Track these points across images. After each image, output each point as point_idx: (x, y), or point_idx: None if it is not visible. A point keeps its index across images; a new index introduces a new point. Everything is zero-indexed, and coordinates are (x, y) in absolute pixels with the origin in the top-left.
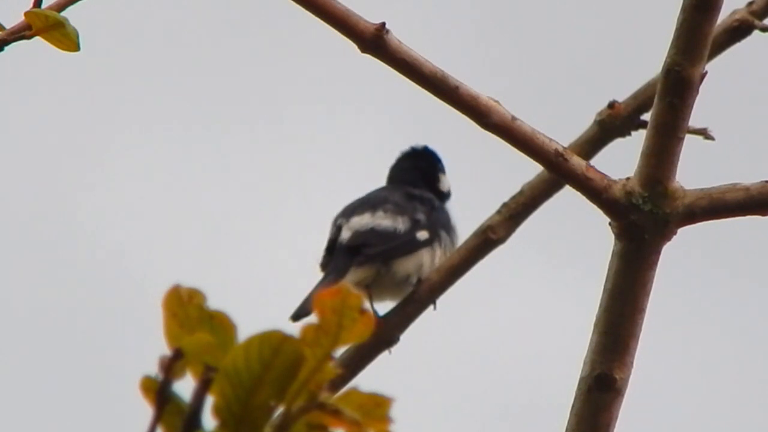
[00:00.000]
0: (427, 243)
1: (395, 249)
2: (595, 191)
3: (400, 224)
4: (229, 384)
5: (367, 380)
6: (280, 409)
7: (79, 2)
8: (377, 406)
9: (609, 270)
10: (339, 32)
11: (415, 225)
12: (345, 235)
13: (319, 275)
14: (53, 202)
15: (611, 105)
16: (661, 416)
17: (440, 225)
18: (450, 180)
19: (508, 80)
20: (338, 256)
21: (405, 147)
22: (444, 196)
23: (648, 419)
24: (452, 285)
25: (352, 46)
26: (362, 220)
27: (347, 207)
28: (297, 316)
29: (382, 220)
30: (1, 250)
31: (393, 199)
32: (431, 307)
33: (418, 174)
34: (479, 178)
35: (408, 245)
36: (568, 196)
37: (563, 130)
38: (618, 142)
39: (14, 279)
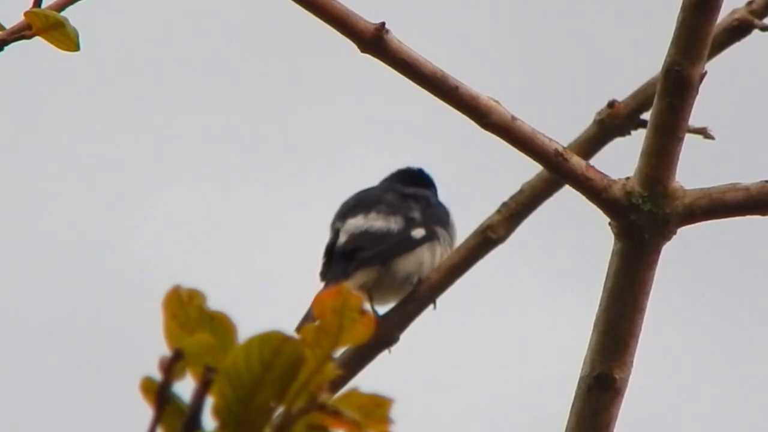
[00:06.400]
0: (424, 240)
1: (390, 249)
2: (595, 191)
3: (393, 224)
4: (229, 385)
5: (367, 380)
6: (280, 410)
7: (79, 2)
8: (377, 407)
9: (609, 270)
10: (339, 32)
11: (410, 223)
12: (342, 239)
13: (319, 284)
14: (52, 203)
15: (611, 104)
16: (661, 416)
17: (436, 222)
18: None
19: (508, 80)
20: (337, 262)
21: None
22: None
23: (648, 419)
24: (452, 284)
25: (352, 46)
26: (356, 223)
27: (342, 209)
28: (301, 328)
29: (375, 222)
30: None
31: (386, 199)
32: (431, 306)
33: (410, 178)
34: (479, 178)
35: (403, 244)
36: (568, 196)
37: (563, 130)
38: (618, 142)
39: (16, 281)
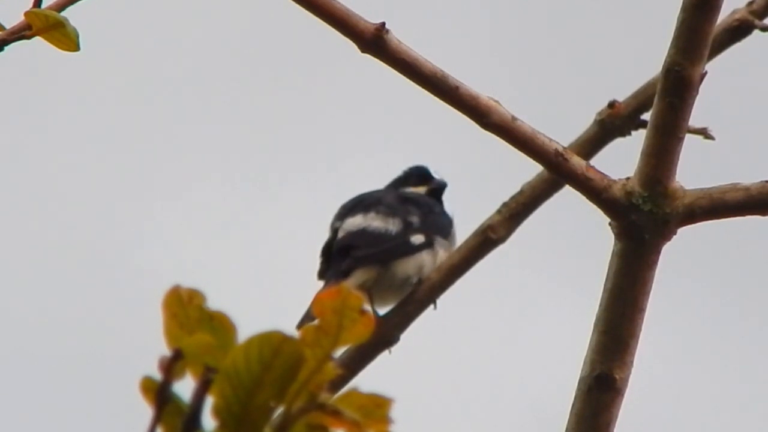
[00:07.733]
0: (423, 247)
1: (386, 252)
2: (595, 191)
3: (391, 225)
4: (229, 384)
5: (367, 380)
6: (280, 410)
7: (79, 2)
8: (377, 407)
9: (609, 270)
10: (339, 32)
11: (408, 227)
12: (339, 236)
13: (318, 284)
14: (52, 204)
15: (611, 104)
16: (661, 416)
17: (436, 229)
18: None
19: (508, 80)
20: (334, 261)
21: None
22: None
23: (648, 419)
24: (452, 284)
25: (352, 47)
26: (355, 221)
27: (341, 210)
28: (301, 326)
29: (372, 221)
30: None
31: (386, 200)
32: (431, 306)
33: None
34: (479, 178)
35: (401, 248)
36: (568, 196)
37: (563, 130)
38: (618, 142)
39: (17, 281)
